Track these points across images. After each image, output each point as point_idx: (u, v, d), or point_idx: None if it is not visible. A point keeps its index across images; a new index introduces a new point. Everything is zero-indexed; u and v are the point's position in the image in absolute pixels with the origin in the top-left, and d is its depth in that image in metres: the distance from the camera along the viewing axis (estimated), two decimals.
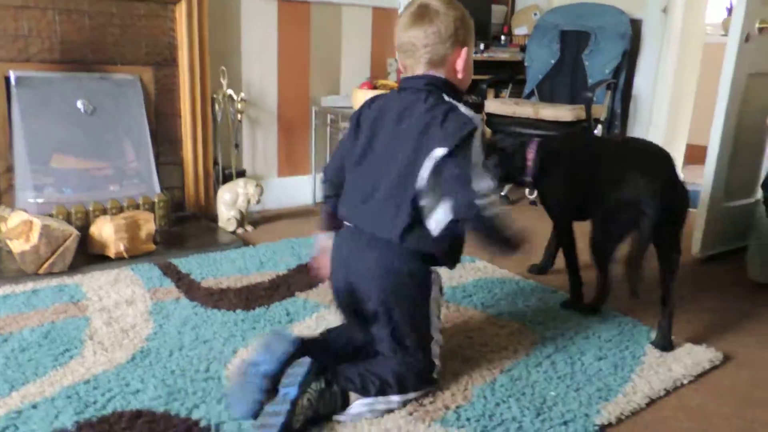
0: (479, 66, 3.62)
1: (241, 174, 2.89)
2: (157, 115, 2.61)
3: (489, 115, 3.38)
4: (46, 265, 2.00)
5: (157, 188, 2.53)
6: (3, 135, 2.27)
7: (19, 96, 2.25)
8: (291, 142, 3.11)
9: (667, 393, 1.47)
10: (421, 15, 1.31)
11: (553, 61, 3.49)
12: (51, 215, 2.18)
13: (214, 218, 2.71)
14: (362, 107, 1.46)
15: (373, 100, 1.45)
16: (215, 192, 2.74)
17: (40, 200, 2.26)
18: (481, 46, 3.74)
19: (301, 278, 2.08)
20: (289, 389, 1.21)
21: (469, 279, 2.11)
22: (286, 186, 3.10)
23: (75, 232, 2.05)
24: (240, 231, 2.64)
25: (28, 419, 1.26)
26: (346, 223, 1.40)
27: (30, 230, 2.00)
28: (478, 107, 3.54)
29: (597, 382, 1.48)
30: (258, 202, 2.65)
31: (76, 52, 2.38)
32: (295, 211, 3.03)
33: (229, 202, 2.62)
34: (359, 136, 1.39)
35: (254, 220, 2.79)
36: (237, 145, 2.88)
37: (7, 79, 2.24)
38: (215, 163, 2.82)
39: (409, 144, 1.29)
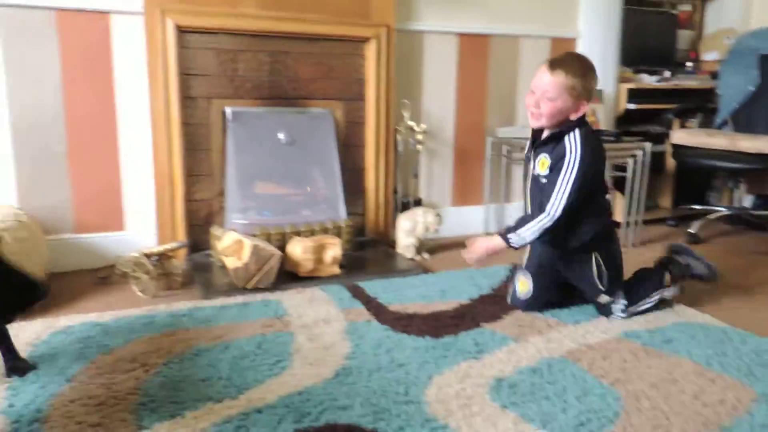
0: (663, 95, 3.44)
1: (418, 202, 2.99)
2: (345, 146, 2.79)
3: (675, 146, 3.19)
4: (253, 281, 2.21)
5: (344, 214, 2.70)
6: (219, 162, 2.56)
7: (233, 129, 2.53)
8: (466, 172, 3.16)
9: None
10: None
11: (751, 88, 3.21)
12: (254, 235, 2.40)
13: (392, 244, 2.82)
14: None
15: None
16: (394, 219, 2.85)
17: (244, 221, 2.50)
18: (666, 74, 3.55)
19: (485, 309, 2.09)
20: None
21: (668, 323, 1.98)
22: (459, 215, 3.15)
23: (278, 253, 2.24)
24: (418, 258, 2.71)
25: (256, 422, 1.39)
26: None
27: (241, 249, 2.22)
28: (661, 138, 3.36)
29: None
30: (436, 231, 2.71)
31: (279, 89, 2.63)
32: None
33: (408, 230, 2.71)
34: None
35: (430, 247, 2.85)
36: (416, 175, 2.99)
37: (224, 114, 2.53)
38: (395, 191, 2.94)
39: None
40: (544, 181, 1.95)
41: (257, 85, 2.58)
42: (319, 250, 2.38)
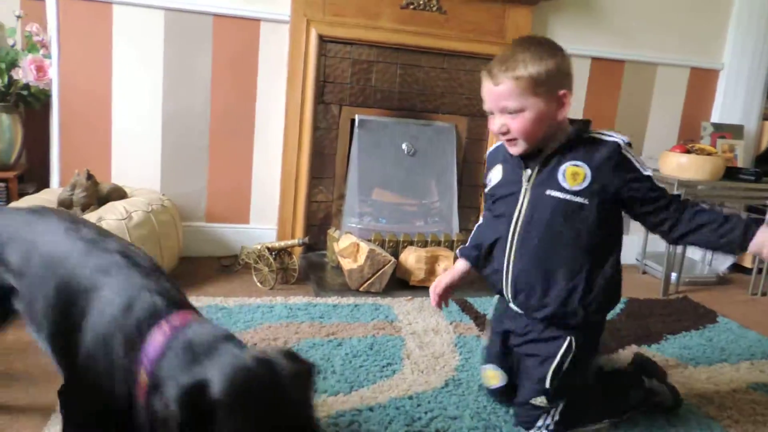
0: None
1: None
2: (465, 161, 2.81)
3: None
4: (366, 284, 2.27)
5: (457, 228, 2.71)
6: (342, 167, 2.66)
7: (359, 136, 2.62)
8: None
9: None
10: None
11: None
12: (369, 240, 2.47)
13: None
14: None
15: None
16: None
17: (360, 226, 2.58)
18: None
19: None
20: None
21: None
22: None
23: (393, 260, 2.29)
24: None
25: (368, 419, 1.43)
26: None
27: (357, 252, 2.29)
28: None
29: None
30: None
31: (407, 100, 2.69)
32: None
33: None
34: None
35: None
36: None
37: (353, 122, 2.63)
38: None
39: None
40: (579, 200, 1.33)
41: (387, 95, 2.66)
42: (432, 261, 2.40)
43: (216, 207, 2.67)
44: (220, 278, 2.41)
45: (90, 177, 2.14)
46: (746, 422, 1.55)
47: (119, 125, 2.50)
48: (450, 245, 2.62)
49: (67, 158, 2.44)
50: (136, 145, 2.53)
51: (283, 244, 2.41)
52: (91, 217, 2.02)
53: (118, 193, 2.27)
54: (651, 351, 1.96)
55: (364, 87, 2.63)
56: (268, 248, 2.36)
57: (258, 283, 2.35)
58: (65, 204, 2.09)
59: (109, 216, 2.05)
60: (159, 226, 2.18)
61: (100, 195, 2.18)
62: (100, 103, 2.45)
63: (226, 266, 2.53)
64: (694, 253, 3.19)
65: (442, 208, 2.79)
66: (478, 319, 2.13)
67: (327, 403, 1.49)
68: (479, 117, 2.79)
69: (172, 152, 2.57)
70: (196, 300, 2.08)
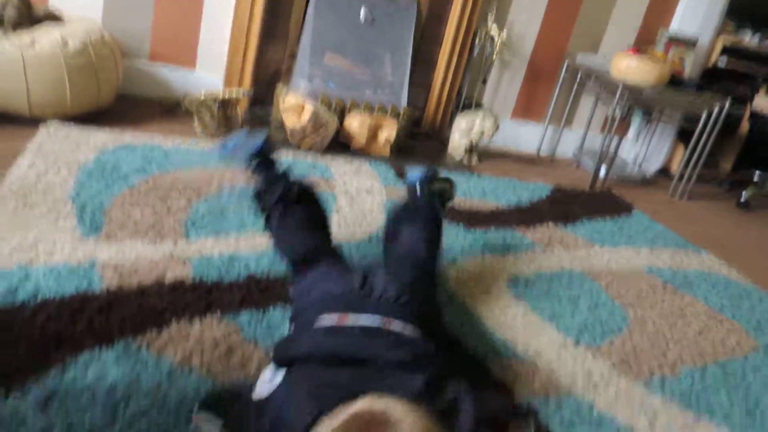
0: (760, 58, 3.26)
1: (479, 107, 2.98)
2: (422, 38, 2.77)
3: (754, 113, 3.07)
4: (307, 143, 2.29)
5: (405, 102, 2.72)
6: (296, 27, 2.58)
7: None
8: (534, 89, 3.12)
9: None
10: None
11: None
12: (317, 101, 2.46)
13: (444, 142, 2.86)
14: None
15: None
16: (452, 118, 2.87)
17: (309, 87, 2.56)
18: (757, 37, 3.34)
19: (520, 216, 2.15)
20: None
21: (692, 268, 2.02)
22: (516, 129, 3.14)
23: (335, 122, 2.31)
24: (466, 160, 2.76)
25: None
26: None
27: (302, 111, 2.29)
28: (742, 100, 3.22)
29: None
30: (491, 138, 2.73)
31: None
32: (518, 156, 3.07)
33: (464, 131, 2.74)
34: None
35: (479, 152, 2.88)
36: (485, 81, 2.97)
37: None
38: (459, 92, 2.94)
39: None
40: None
41: None
42: (375, 128, 2.44)
43: (161, 47, 2.58)
44: (161, 121, 2.38)
45: None
46: (630, 296, 1.73)
47: None
48: (396, 116, 2.64)
49: None
50: None
51: (227, 94, 2.37)
52: (22, 37, 1.93)
53: (53, 19, 2.16)
54: (565, 230, 2.11)
55: None
56: (212, 97, 2.33)
57: (199, 131, 2.33)
58: None
59: (43, 40, 1.96)
60: (97, 59, 2.10)
61: (33, 16, 2.07)
62: None
63: (168, 110, 2.49)
64: (627, 154, 3.33)
65: (393, 82, 2.78)
66: None
67: (255, 238, 1.56)
68: None
69: None
70: (132, 137, 2.08)
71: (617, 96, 2.67)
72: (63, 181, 1.65)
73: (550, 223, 2.14)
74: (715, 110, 2.78)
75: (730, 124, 3.13)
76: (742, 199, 3.05)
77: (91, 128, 2.05)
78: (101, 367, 1.00)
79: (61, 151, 1.83)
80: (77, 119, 2.08)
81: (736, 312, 1.76)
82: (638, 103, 2.85)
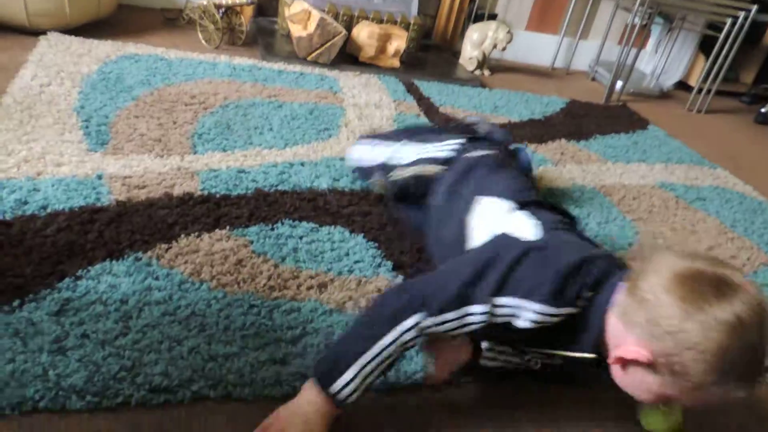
0: None
1: (493, 17, 2.86)
2: None
3: None
4: (314, 54, 2.22)
5: (415, 12, 2.61)
6: None
7: None
8: None
9: None
10: None
11: None
12: (324, 10, 2.37)
13: (456, 53, 2.77)
14: None
15: None
16: (464, 29, 2.76)
17: None
18: None
19: (531, 131, 2.11)
20: None
21: (706, 183, 1.99)
22: (530, 41, 3.02)
23: (344, 31, 2.22)
24: (478, 72, 2.67)
25: (298, 172, 1.50)
26: None
27: (308, 19, 2.20)
28: None
29: None
30: (504, 49, 2.64)
31: None
32: (532, 69, 2.97)
33: (476, 42, 2.64)
34: None
35: (492, 66, 2.79)
36: None
37: None
38: (471, 1, 2.81)
39: None
40: None
41: None
42: (384, 38, 2.35)
43: None
44: (163, 31, 2.31)
45: None
46: (642, 211, 1.71)
47: None
48: (406, 27, 2.54)
49: None
50: None
51: (231, 1, 2.28)
52: None
53: None
54: (578, 146, 2.07)
55: None
56: (216, 4, 2.24)
57: (203, 41, 2.26)
58: None
59: None
60: None
61: None
62: None
63: (170, 20, 2.41)
64: (645, 66, 3.22)
65: None
66: (422, 100, 2.16)
67: (261, 155, 1.55)
68: None
69: None
70: (135, 48, 2.02)
71: (637, 0, 2.54)
72: (67, 93, 1.62)
73: (563, 139, 2.09)
74: (741, 16, 2.64)
75: (754, 34, 2.99)
76: (761, 114, 2.96)
77: (92, 39, 1.99)
78: (113, 279, 1.01)
79: (64, 63, 1.78)
80: (78, 30, 2.02)
81: (748, 227, 1.74)
82: (660, 8, 2.71)
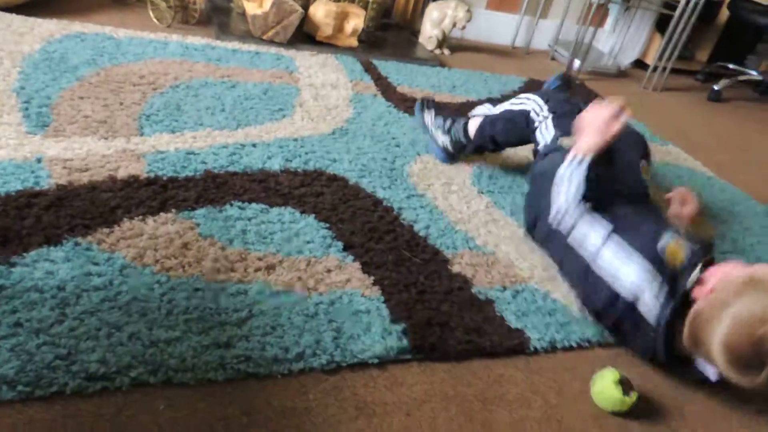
0: None
1: None
2: None
3: (734, 1, 2.96)
4: (270, 33, 2.18)
5: None
6: None
7: None
8: None
9: None
10: None
11: None
12: None
13: (415, 33, 2.74)
14: None
15: None
16: (424, 8, 2.73)
17: None
18: None
19: None
20: None
21: (657, 159, 2.02)
22: (491, 20, 3.01)
23: (300, 10, 2.18)
24: (437, 51, 2.66)
25: (249, 153, 1.47)
26: None
27: None
28: None
29: None
30: (463, 28, 2.62)
31: None
32: (492, 48, 2.97)
33: (435, 21, 2.62)
34: None
35: (452, 45, 2.78)
36: None
37: None
38: None
39: None
40: None
41: None
42: (342, 17, 2.31)
43: None
44: (112, 9, 2.23)
45: None
46: None
47: None
48: (364, 5, 2.51)
49: None
50: None
51: None
52: None
53: None
54: None
55: None
56: None
57: (154, 20, 2.20)
58: None
59: None
60: None
61: None
62: None
63: None
64: (603, 45, 3.25)
65: None
66: (379, 80, 2.15)
67: (212, 136, 1.51)
68: None
69: None
70: (81, 27, 1.95)
71: None
72: (6, 73, 1.55)
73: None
74: None
75: (709, 12, 3.04)
76: (714, 92, 3.02)
77: (36, 18, 1.92)
78: (50, 265, 0.98)
79: (4, 41, 1.71)
80: (20, 8, 1.94)
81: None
82: None
